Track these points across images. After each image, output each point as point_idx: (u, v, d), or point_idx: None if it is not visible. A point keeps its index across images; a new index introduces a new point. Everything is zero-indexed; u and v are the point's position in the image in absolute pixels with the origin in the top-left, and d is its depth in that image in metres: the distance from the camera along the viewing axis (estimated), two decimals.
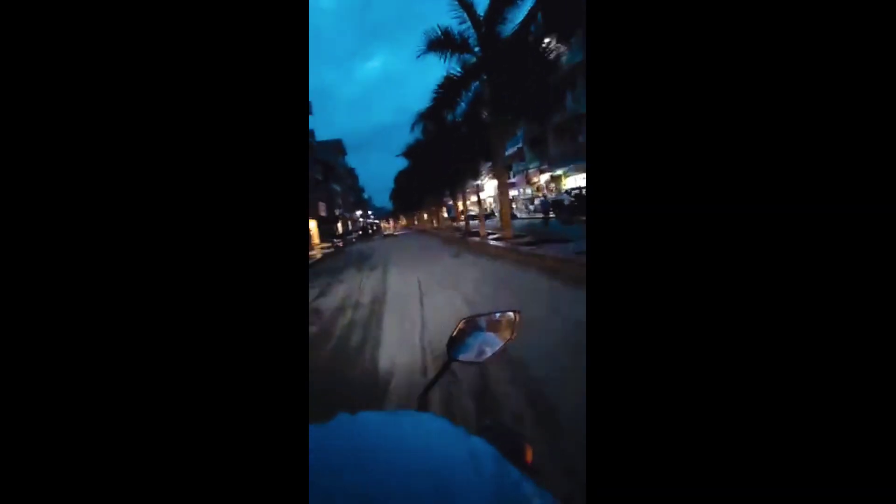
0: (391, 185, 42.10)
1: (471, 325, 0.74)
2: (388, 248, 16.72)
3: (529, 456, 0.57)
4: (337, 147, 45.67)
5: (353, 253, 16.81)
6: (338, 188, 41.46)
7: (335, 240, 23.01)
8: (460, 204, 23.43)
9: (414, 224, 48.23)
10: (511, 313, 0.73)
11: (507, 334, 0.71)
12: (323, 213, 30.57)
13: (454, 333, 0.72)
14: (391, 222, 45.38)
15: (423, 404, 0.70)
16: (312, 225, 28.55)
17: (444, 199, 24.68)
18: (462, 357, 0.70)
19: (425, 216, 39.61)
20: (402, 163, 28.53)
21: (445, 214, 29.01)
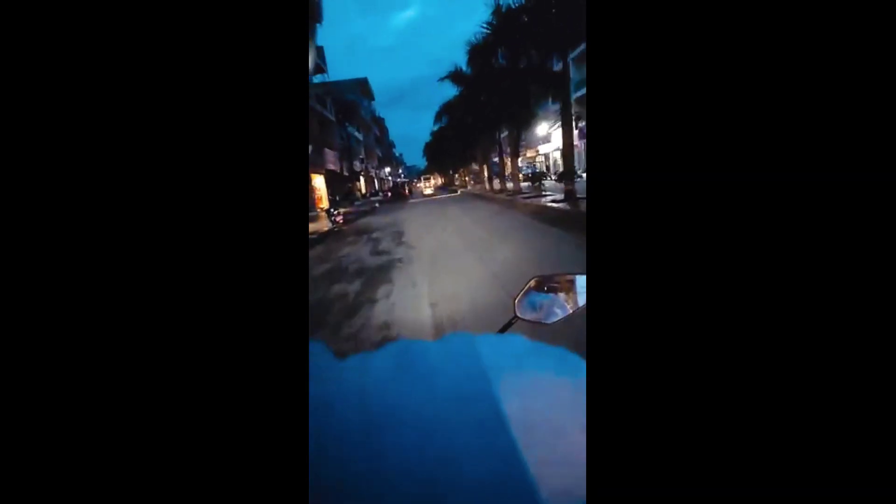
0: (423, 144, 33.99)
1: (542, 285, 0.71)
2: (442, 243, 7.13)
3: None
4: (361, 87, 35.85)
5: (355, 255, 7.59)
6: (359, 135, 32.24)
7: (332, 211, 11.38)
8: (509, 162, 15.00)
9: (455, 184, 38.49)
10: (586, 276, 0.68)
11: (580, 298, 0.68)
12: (332, 167, 21.48)
13: (523, 292, 0.70)
14: (430, 180, 36.10)
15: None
16: (319, 182, 19.62)
17: (501, 149, 15.45)
18: (528, 316, 0.68)
19: (469, 176, 29.88)
20: (441, 115, 20.27)
21: (489, 170, 19.65)
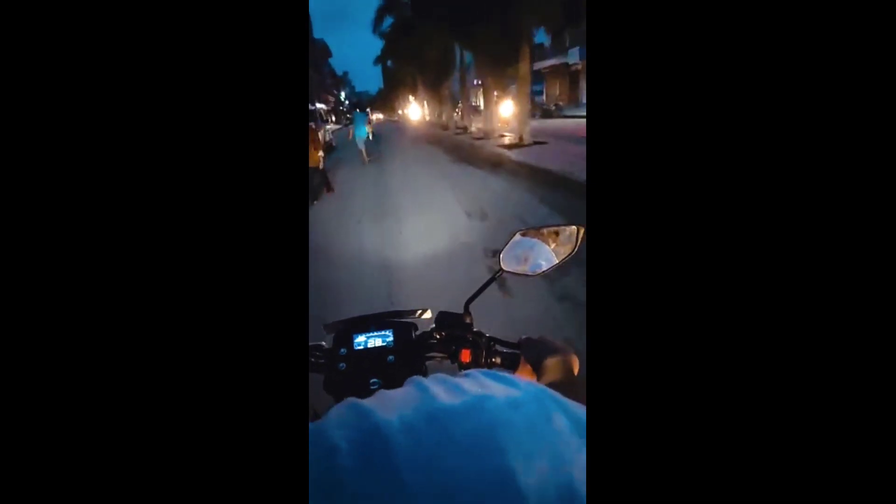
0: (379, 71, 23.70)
1: (526, 237, 0.73)
2: None
3: (576, 368, 0.56)
4: None
5: None
6: None
7: None
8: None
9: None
10: (573, 227, 0.71)
11: (566, 249, 0.70)
12: None
13: (507, 245, 0.71)
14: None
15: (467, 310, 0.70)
16: None
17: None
18: (514, 269, 0.70)
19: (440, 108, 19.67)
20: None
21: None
